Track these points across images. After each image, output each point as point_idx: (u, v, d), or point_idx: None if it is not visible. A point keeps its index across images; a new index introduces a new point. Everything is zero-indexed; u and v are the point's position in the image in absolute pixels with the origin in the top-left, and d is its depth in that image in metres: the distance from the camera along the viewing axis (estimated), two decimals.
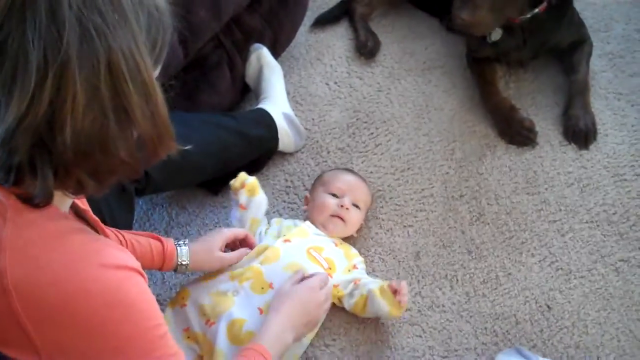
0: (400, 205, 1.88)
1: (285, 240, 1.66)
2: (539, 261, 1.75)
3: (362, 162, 1.98)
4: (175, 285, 1.77)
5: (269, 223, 1.77)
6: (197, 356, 1.55)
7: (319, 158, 2.01)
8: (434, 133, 2.02)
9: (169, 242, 1.56)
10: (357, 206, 1.78)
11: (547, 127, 1.98)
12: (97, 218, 1.25)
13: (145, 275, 1.07)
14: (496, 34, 1.97)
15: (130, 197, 1.64)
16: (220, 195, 1.95)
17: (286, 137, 1.99)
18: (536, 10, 1.91)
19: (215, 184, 1.94)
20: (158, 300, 1.67)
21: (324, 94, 2.16)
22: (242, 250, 1.66)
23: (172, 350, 1.09)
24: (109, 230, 1.37)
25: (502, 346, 1.61)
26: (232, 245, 1.67)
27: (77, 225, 1.05)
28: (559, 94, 2.04)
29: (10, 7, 0.87)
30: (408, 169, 1.96)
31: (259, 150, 1.97)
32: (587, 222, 1.80)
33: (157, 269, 1.56)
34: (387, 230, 1.84)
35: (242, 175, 1.73)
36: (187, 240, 1.58)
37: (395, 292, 1.56)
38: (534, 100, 2.05)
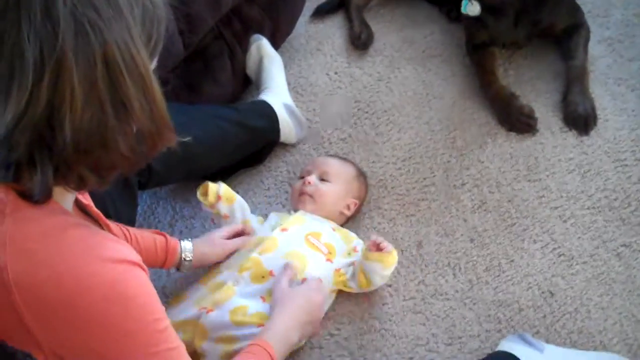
0: (402, 195, 1.90)
1: (282, 229, 1.68)
2: (541, 248, 1.76)
3: (363, 152, 1.99)
4: (180, 278, 1.78)
5: (264, 217, 1.79)
6: None
7: (321, 149, 2.02)
8: (435, 122, 2.03)
9: (173, 238, 1.57)
10: (325, 180, 1.79)
11: (547, 114, 1.99)
12: (100, 212, 1.26)
13: (147, 269, 1.07)
14: (473, 8, 1.97)
15: (133, 190, 1.65)
16: None
17: (287, 128, 2.00)
18: None
19: (217, 176, 1.95)
20: (164, 293, 1.71)
21: (325, 84, 2.17)
22: (244, 237, 1.68)
23: (173, 344, 1.09)
24: (113, 224, 1.38)
25: (505, 333, 1.62)
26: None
27: (76, 220, 1.05)
28: (558, 80, 2.05)
29: (5, 5, 0.88)
30: (409, 158, 1.97)
31: (261, 141, 1.98)
32: (588, 208, 1.81)
33: (160, 265, 1.57)
34: (390, 220, 1.85)
35: (212, 186, 1.71)
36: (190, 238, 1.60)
37: (376, 248, 1.60)
38: (534, 86, 2.06)
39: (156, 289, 1.71)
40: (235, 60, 2.09)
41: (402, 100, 2.09)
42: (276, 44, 2.17)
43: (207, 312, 1.54)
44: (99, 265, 0.99)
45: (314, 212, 1.76)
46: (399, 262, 1.75)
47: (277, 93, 2.04)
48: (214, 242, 1.66)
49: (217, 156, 1.86)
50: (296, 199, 1.80)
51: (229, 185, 1.75)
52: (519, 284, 1.71)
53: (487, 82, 2.03)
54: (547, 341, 1.59)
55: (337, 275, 1.66)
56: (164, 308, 1.09)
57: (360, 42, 2.22)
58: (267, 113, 1.98)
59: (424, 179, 1.92)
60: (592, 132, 1.94)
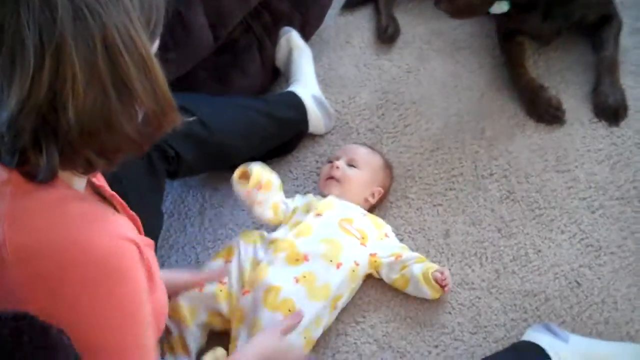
0: (429, 185, 1.92)
1: (317, 214, 1.72)
2: (569, 238, 1.76)
3: (391, 143, 2.01)
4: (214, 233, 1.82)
5: (292, 199, 1.82)
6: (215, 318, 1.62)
7: (349, 139, 2.05)
8: (463, 113, 2.05)
9: None
10: (353, 166, 1.82)
11: (577, 105, 1.99)
12: (114, 194, 1.27)
13: (144, 250, 1.07)
14: (499, 7, 1.97)
15: (160, 177, 1.68)
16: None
17: (316, 119, 2.03)
18: None
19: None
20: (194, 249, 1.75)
21: (354, 76, 2.19)
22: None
23: (152, 347, 1.10)
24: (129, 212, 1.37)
25: (531, 322, 1.63)
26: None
27: (79, 194, 1.07)
28: (588, 72, 2.05)
29: None
30: (437, 148, 1.98)
31: (289, 132, 2.01)
32: (617, 199, 1.81)
33: None
34: (417, 209, 1.87)
35: (255, 172, 1.70)
36: None
37: (439, 282, 1.63)
38: (563, 78, 2.06)
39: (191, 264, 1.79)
40: (264, 53, 2.12)
41: (430, 92, 2.11)
42: (306, 36, 2.19)
43: (244, 293, 1.59)
44: (96, 236, 1.00)
45: (340, 195, 1.79)
46: (426, 252, 1.79)
47: (306, 85, 2.07)
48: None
49: (246, 146, 1.89)
50: (323, 182, 1.84)
51: None
52: (546, 274, 1.71)
53: (517, 74, 2.04)
54: (573, 331, 1.60)
55: (372, 259, 1.69)
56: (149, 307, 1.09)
57: (386, 35, 2.24)
58: (296, 104, 2.01)
59: (452, 169, 1.93)
60: (622, 123, 1.93)
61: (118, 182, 1.57)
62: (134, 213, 1.29)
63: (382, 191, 1.86)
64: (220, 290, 1.63)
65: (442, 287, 1.63)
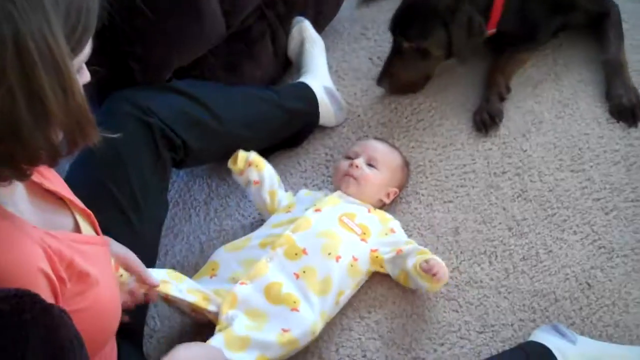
0: (440, 181, 1.93)
1: (316, 210, 1.74)
2: (581, 239, 1.77)
3: (403, 137, 2.03)
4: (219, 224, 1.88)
5: (295, 195, 1.84)
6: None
7: (360, 132, 2.07)
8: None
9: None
10: (372, 166, 1.83)
11: (594, 104, 2.00)
12: (72, 198, 1.27)
13: (56, 283, 1.05)
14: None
15: (166, 165, 1.70)
16: None
17: (327, 111, 2.05)
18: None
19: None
20: (196, 270, 1.76)
21: (368, 69, 2.21)
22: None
23: None
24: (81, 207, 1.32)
25: (539, 323, 1.65)
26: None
27: None
28: None
29: None
30: (450, 144, 2.00)
31: (300, 123, 2.03)
32: (632, 201, 1.82)
33: None
34: (427, 206, 1.89)
35: (242, 153, 1.80)
36: None
37: (431, 273, 1.61)
38: (581, 76, 2.07)
39: (190, 266, 1.81)
40: (277, 42, 2.15)
41: (445, 87, 2.13)
42: (319, 27, 2.22)
43: (241, 284, 1.60)
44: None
45: (355, 195, 1.81)
46: (435, 249, 1.80)
47: (317, 76, 2.10)
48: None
49: (255, 137, 1.91)
50: (339, 179, 1.85)
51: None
52: (556, 274, 1.73)
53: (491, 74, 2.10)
54: (582, 334, 1.61)
55: (373, 255, 1.71)
56: None
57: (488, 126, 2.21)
58: (307, 95, 2.03)
59: (464, 165, 1.95)
60: None
61: (122, 169, 1.61)
62: (86, 207, 1.29)
63: (398, 192, 1.88)
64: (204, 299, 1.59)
65: (433, 275, 1.60)
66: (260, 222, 1.88)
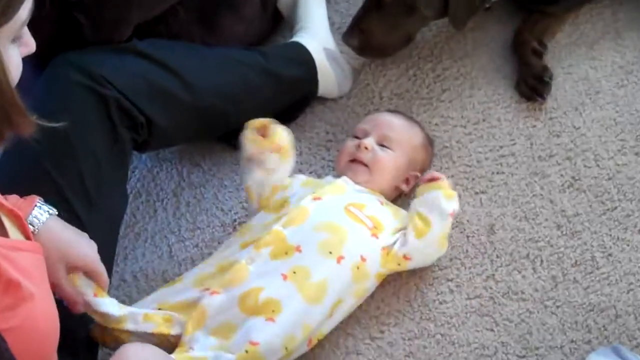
0: (471, 166, 1.92)
1: (315, 198, 1.71)
2: None
3: (424, 112, 2.02)
4: (185, 260, 1.83)
5: (291, 184, 1.82)
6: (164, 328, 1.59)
7: (370, 106, 2.05)
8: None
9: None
10: (386, 146, 1.81)
11: None
12: None
13: None
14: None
15: (125, 147, 1.69)
16: None
17: (328, 79, 2.04)
18: None
19: (237, 136, 1.98)
20: (164, 279, 1.75)
21: None
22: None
23: None
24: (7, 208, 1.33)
25: (595, 344, 1.64)
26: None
27: None
28: None
29: None
30: (483, 120, 1.99)
31: (294, 94, 2.02)
32: None
33: None
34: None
35: (280, 129, 1.76)
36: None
37: (432, 180, 1.70)
38: None
39: (156, 275, 1.80)
40: None
41: (477, 49, 2.12)
42: None
43: (212, 293, 1.58)
44: None
45: (367, 184, 1.79)
46: (464, 251, 1.79)
47: (316, 34, 2.08)
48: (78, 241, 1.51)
49: (238, 111, 1.90)
50: (344, 165, 1.83)
51: None
52: (617, 283, 1.72)
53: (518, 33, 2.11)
54: None
55: (384, 254, 1.69)
56: None
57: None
58: (303, 59, 2.02)
59: (501, 147, 1.94)
60: None
61: (69, 153, 1.59)
62: (12, 207, 1.29)
63: (419, 176, 1.86)
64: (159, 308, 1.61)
65: (435, 178, 1.70)
66: (245, 218, 1.87)
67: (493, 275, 1.76)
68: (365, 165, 1.80)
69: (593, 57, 2.05)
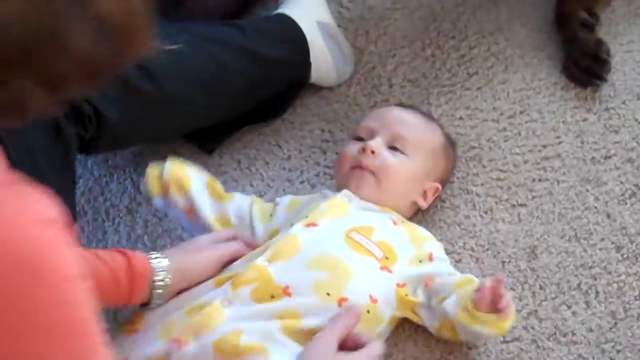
0: (506, 172, 1.91)
1: (308, 224, 1.69)
2: None
3: (445, 102, 2.02)
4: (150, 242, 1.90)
5: (273, 204, 1.82)
6: None
7: (377, 95, 2.05)
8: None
9: (136, 254, 1.59)
10: (397, 149, 1.79)
11: None
12: None
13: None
14: None
15: (67, 145, 1.68)
16: (217, 155, 2.00)
17: (323, 61, 2.04)
18: None
19: (209, 136, 1.99)
20: (116, 320, 1.73)
21: None
22: (239, 245, 1.71)
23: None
24: None
25: None
26: None
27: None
28: None
29: None
30: (520, 113, 1.99)
31: (280, 80, 2.02)
32: None
33: (124, 300, 1.59)
34: (485, 212, 1.87)
35: (151, 170, 1.80)
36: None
37: (491, 305, 1.58)
38: None
39: (107, 314, 1.79)
40: None
41: (510, 21, 2.12)
42: None
43: (181, 345, 1.56)
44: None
45: (372, 198, 1.78)
46: None
47: (306, 5, 2.08)
48: (198, 249, 1.68)
49: (211, 104, 1.91)
50: (346, 173, 1.81)
51: (228, 150, 1.81)
52: None
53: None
54: None
55: (401, 292, 1.67)
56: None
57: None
58: (291, 36, 2.02)
59: (544, 147, 1.93)
60: None
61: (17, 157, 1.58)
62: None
63: (440, 188, 1.85)
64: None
65: (498, 310, 1.57)
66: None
67: (536, 311, 1.74)
68: (372, 174, 1.78)
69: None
